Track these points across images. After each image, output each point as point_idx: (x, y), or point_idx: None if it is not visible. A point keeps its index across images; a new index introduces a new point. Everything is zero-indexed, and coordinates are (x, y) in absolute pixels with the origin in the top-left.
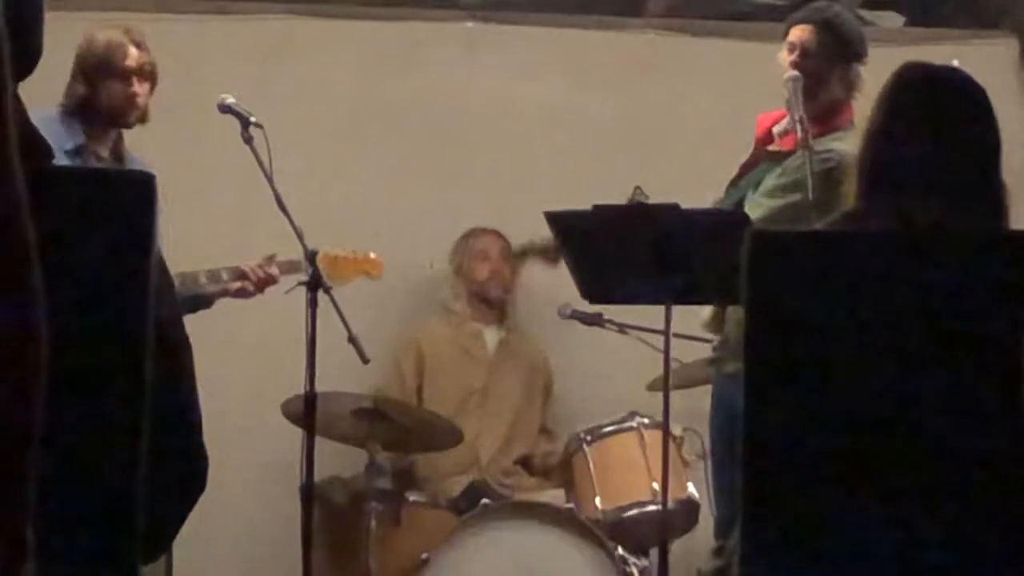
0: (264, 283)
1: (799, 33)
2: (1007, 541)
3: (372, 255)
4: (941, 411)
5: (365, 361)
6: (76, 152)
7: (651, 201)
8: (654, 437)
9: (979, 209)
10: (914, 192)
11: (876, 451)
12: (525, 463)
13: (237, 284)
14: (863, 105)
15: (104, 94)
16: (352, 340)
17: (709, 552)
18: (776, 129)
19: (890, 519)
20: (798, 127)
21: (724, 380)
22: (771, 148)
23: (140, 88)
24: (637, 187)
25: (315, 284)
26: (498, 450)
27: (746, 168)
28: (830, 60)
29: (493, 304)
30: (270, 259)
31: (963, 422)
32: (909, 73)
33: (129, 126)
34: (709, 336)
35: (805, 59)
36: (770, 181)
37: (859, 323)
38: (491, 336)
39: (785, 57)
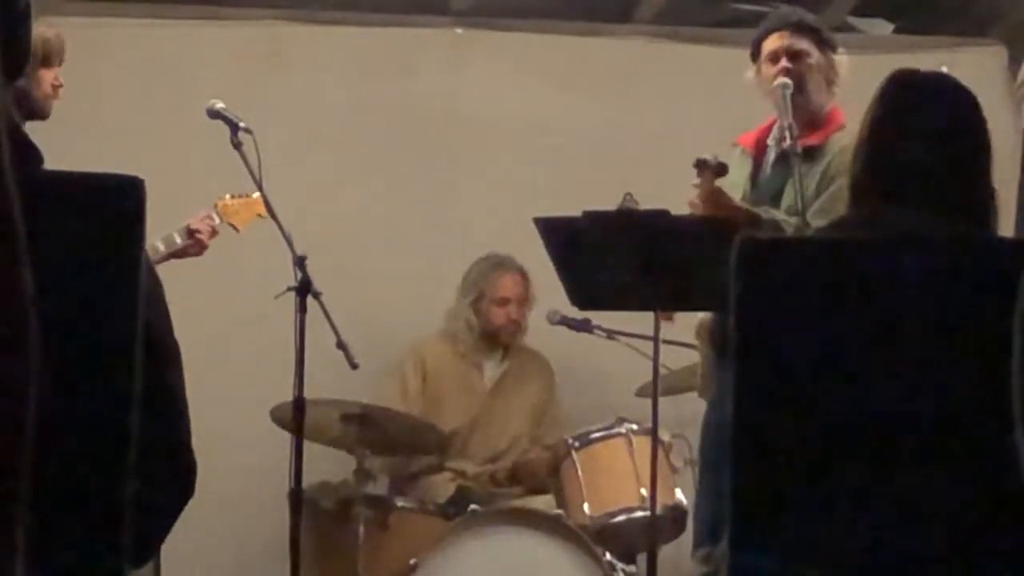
0: (213, 232)
1: (780, 41)
2: (1008, 543)
3: (255, 195)
4: (934, 415)
5: (354, 367)
6: None
7: (641, 207)
8: (642, 443)
9: (968, 217)
10: (905, 200)
11: (867, 453)
12: (504, 477)
13: (190, 241)
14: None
15: None
16: (341, 345)
17: (697, 558)
18: (771, 139)
19: (884, 524)
20: (787, 134)
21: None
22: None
23: None
24: (627, 193)
25: (304, 290)
26: (485, 470)
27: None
28: (812, 60)
29: (500, 344)
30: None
31: (955, 424)
32: (898, 81)
33: None
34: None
35: (795, 63)
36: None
37: (849, 329)
38: (491, 368)
39: (766, 70)
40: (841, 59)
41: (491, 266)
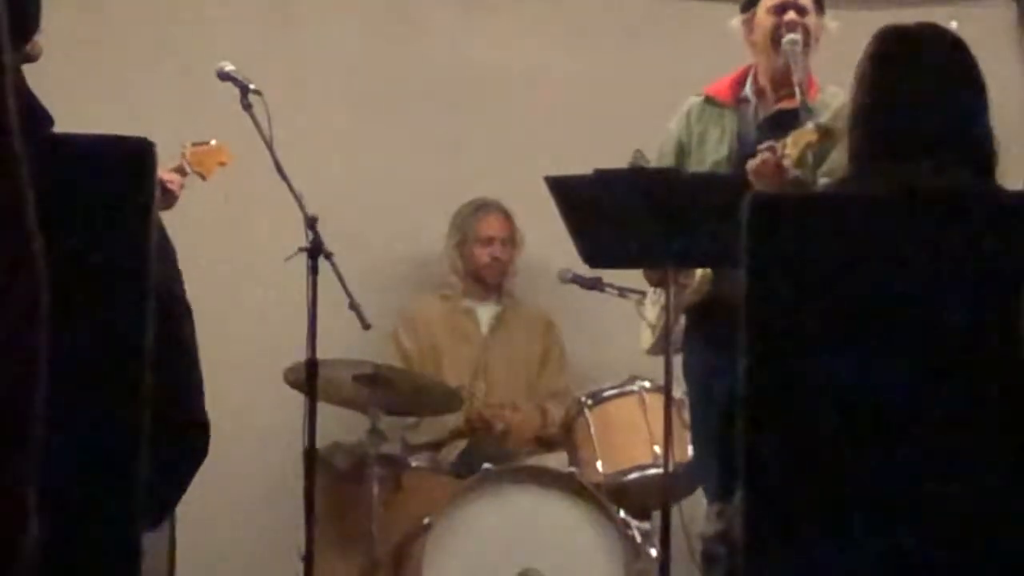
0: (181, 186)
1: None
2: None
3: (213, 142)
4: (949, 377)
5: (366, 327)
6: None
7: (652, 164)
8: (655, 400)
9: (972, 165)
10: (907, 153)
11: (882, 417)
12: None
13: (161, 195)
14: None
15: None
16: (353, 306)
17: (711, 514)
18: (748, 91)
19: (897, 492)
20: (797, 91)
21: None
22: (782, 108)
23: None
24: (638, 150)
25: (316, 251)
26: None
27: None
28: (810, 19)
29: (489, 285)
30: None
31: (969, 385)
32: (887, 34)
33: None
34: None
35: (804, 17)
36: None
37: (862, 286)
38: (485, 313)
39: (765, 19)
40: (830, 24)
41: (473, 208)
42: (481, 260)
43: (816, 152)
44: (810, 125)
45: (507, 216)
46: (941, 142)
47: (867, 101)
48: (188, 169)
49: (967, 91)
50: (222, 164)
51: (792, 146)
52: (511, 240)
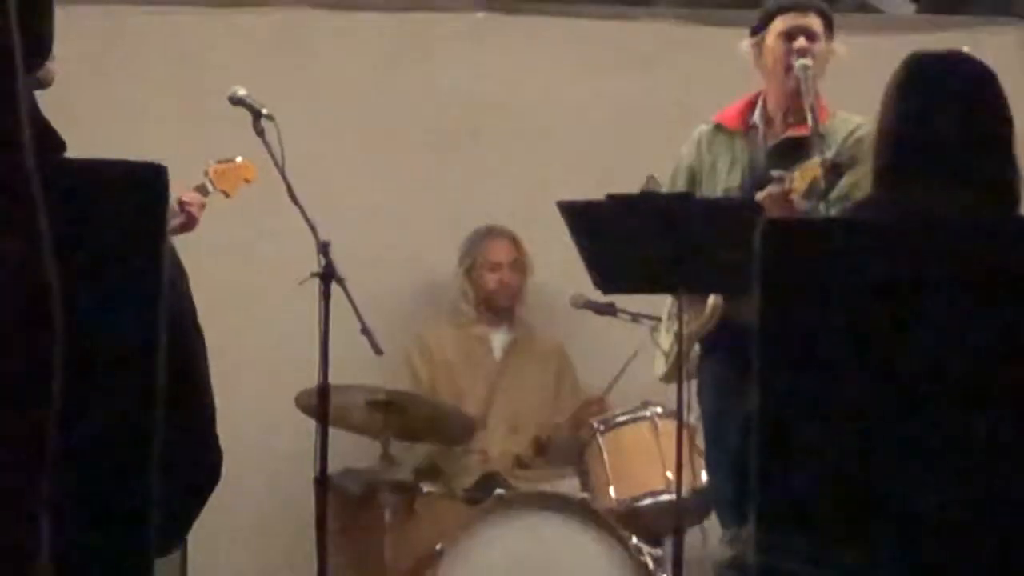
0: (202, 207)
1: (801, 19)
2: None
3: (239, 159)
4: (970, 399)
5: (378, 353)
6: None
7: (664, 190)
8: (668, 426)
9: (995, 193)
10: (930, 180)
11: (898, 440)
12: (528, 456)
13: (181, 217)
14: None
15: None
16: (365, 332)
17: (724, 540)
18: (755, 117)
19: (915, 515)
20: (809, 115)
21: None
22: (791, 135)
23: None
24: (650, 176)
25: (328, 276)
26: (508, 448)
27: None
28: (820, 46)
29: (500, 311)
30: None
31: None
32: (915, 61)
33: None
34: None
35: (814, 43)
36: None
37: (877, 310)
38: (498, 339)
39: (775, 45)
40: (839, 49)
41: (481, 234)
42: (489, 285)
43: (823, 186)
44: (816, 158)
45: (515, 241)
46: (964, 170)
47: (892, 127)
48: (210, 188)
49: (992, 120)
50: (247, 181)
51: (799, 180)
52: (519, 265)
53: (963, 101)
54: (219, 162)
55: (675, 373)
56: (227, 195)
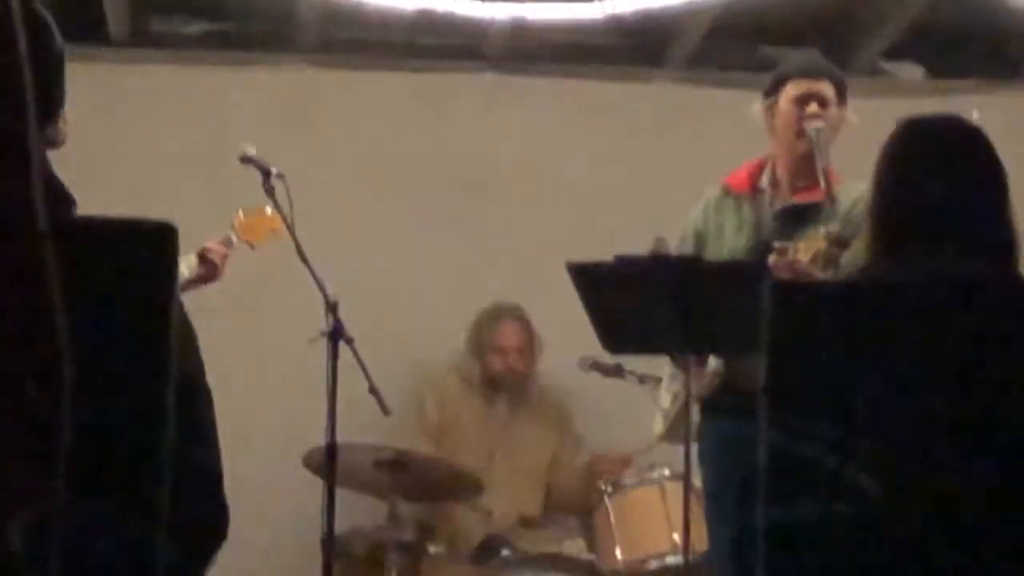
0: (225, 258)
1: (814, 85)
2: None
3: (268, 210)
4: (972, 463)
5: (386, 412)
6: None
7: (672, 252)
8: (675, 489)
9: (991, 254)
10: (928, 241)
11: (908, 501)
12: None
13: (202, 268)
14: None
15: None
16: (373, 391)
17: None
18: (763, 181)
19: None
20: (821, 179)
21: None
22: (797, 203)
23: None
24: (659, 238)
25: (336, 336)
26: (510, 509)
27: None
28: (831, 112)
29: (506, 390)
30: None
31: (997, 467)
32: (909, 125)
33: None
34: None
35: (826, 109)
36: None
37: (882, 372)
38: (503, 401)
39: (788, 108)
40: (852, 118)
41: (491, 315)
42: (497, 369)
43: (828, 258)
44: (821, 231)
45: (525, 324)
46: (958, 233)
47: (886, 192)
48: (235, 240)
49: (985, 183)
50: (274, 231)
51: (803, 251)
52: (529, 349)
53: (956, 165)
54: (245, 213)
55: (672, 432)
56: (252, 246)
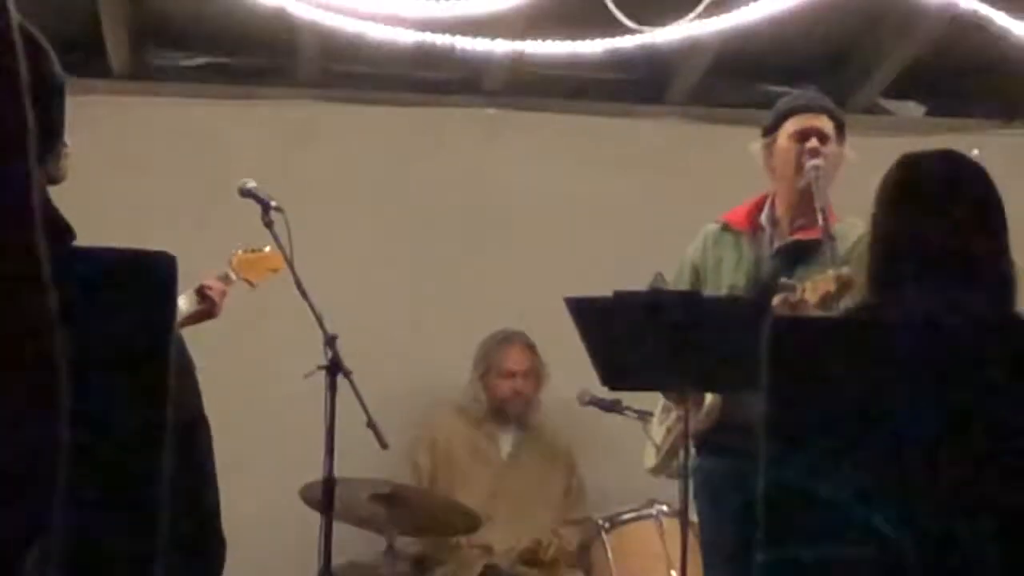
0: (223, 294)
1: (814, 121)
2: None
3: (267, 249)
4: (970, 504)
5: (384, 446)
6: None
7: (671, 288)
8: (673, 525)
9: (990, 292)
10: (929, 279)
11: (907, 542)
12: (532, 555)
13: (202, 305)
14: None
15: None
16: (371, 425)
17: None
18: (762, 219)
19: None
20: (819, 216)
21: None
22: (796, 241)
23: None
24: (658, 273)
25: (335, 369)
26: (510, 546)
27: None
28: (831, 149)
29: (511, 416)
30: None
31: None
32: (912, 161)
33: None
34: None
35: (826, 145)
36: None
37: (881, 409)
38: (507, 437)
39: (787, 144)
40: (851, 154)
41: (498, 340)
42: (503, 393)
43: (836, 299)
44: (831, 272)
45: (531, 349)
46: (957, 269)
47: (885, 227)
48: (233, 277)
49: (984, 219)
50: (274, 271)
51: (811, 291)
52: (534, 373)
53: (956, 200)
54: (244, 251)
55: (664, 467)
56: (251, 284)
